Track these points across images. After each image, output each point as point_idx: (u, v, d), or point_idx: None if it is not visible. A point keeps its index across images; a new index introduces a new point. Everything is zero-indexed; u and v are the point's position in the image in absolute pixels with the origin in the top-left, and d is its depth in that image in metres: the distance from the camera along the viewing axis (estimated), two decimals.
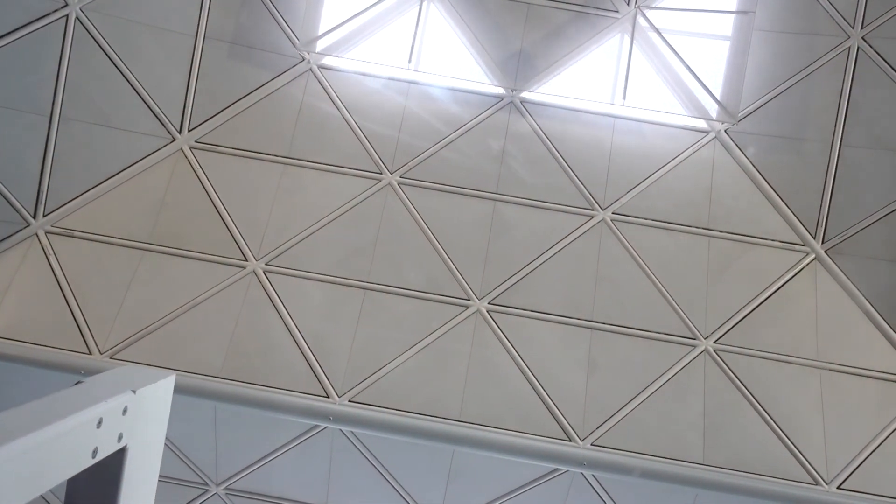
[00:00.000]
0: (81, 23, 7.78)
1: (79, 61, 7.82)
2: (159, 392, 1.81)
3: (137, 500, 1.74)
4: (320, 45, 8.51)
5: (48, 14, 7.65)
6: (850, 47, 8.10)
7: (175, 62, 8.17)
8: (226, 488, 7.92)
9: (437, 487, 7.61)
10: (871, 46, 8.04)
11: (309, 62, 8.51)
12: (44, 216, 7.75)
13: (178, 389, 7.33)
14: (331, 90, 8.48)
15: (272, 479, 7.83)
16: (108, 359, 7.27)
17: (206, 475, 7.86)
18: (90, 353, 7.26)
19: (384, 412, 7.16)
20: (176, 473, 7.87)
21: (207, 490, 7.96)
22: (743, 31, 8.34)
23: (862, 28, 8.08)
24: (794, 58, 8.25)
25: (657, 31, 8.35)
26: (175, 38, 8.12)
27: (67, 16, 7.72)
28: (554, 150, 8.31)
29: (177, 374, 6.91)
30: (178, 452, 7.69)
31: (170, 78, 8.18)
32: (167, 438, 7.29)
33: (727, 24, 8.65)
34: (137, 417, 1.71)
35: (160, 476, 6.88)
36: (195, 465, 7.78)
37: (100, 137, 7.96)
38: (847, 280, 7.94)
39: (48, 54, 7.71)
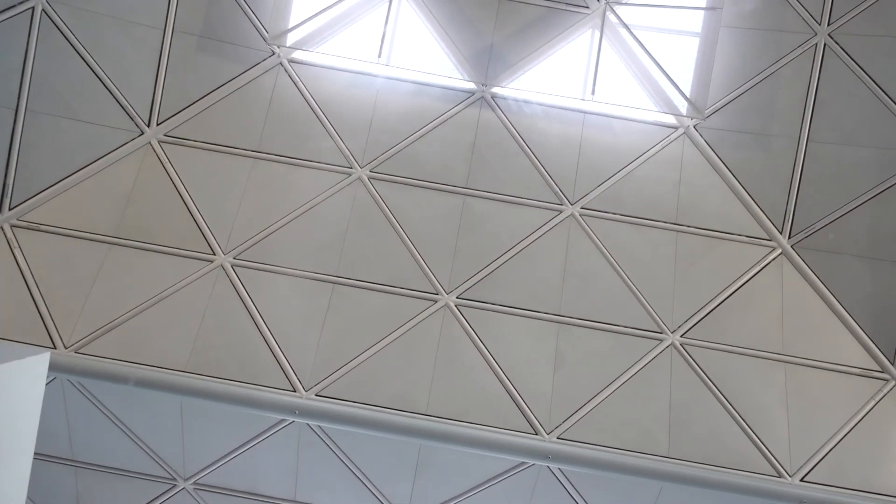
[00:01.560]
0: (48, 15, 7.71)
1: (45, 54, 7.76)
2: (26, 369, 1.79)
3: (6, 477, 1.73)
4: (290, 39, 8.49)
5: (14, 6, 7.59)
6: (817, 44, 8.16)
7: (143, 55, 8.12)
8: (194, 483, 7.88)
9: (404, 481, 7.61)
10: (837, 43, 8.10)
11: (279, 56, 8.48)
12: (10, 210, 7.68)
13: (145, 384, 7.30)
14: (301, 84, 8.46)
15: (240, 474, 7.80)
16: (73, 353, 7.22)
17: (173, 470, 7.82)
18: (55, 348, 7.21)
19: (351, 406, 7.16)
20: (143, 469, 7.83)
21: (175, 485, 7.92)
22: (711, 28, 8.38)
23: (829, 25, 8.14)
24: (762, 54, 8.30)
25: (626, 27, 8.38)
26: (143, 32, 8.07)
27: (33, 8, 7.65)
28: (524, 145, 8.33)
29: (144, 369, 6.85)
30: (144, 447, 7.65)
31: (138, 71, 8.12)
32: (133, 433, 7.26)
33: (697, 21, 8.70)
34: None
35: (127, 471, 6.88)
36: (162, 461, 7.74)
37: (67, 131, 7.89)
38: (813, 275, 8.00)
39: (14, 47, 7.64)
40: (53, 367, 7.13)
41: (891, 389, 7.61)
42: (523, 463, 7.30)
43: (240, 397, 7.10)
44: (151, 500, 8.02)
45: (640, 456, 7.16)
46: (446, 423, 7.15)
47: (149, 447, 7.67)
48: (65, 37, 7.80)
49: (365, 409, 7.15)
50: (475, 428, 7.16)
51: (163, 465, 7.77)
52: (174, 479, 7.89)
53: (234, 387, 7.12)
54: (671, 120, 8.48)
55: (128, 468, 7.86)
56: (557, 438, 7.21)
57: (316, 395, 7.22)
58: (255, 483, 7.87)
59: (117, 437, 7.63)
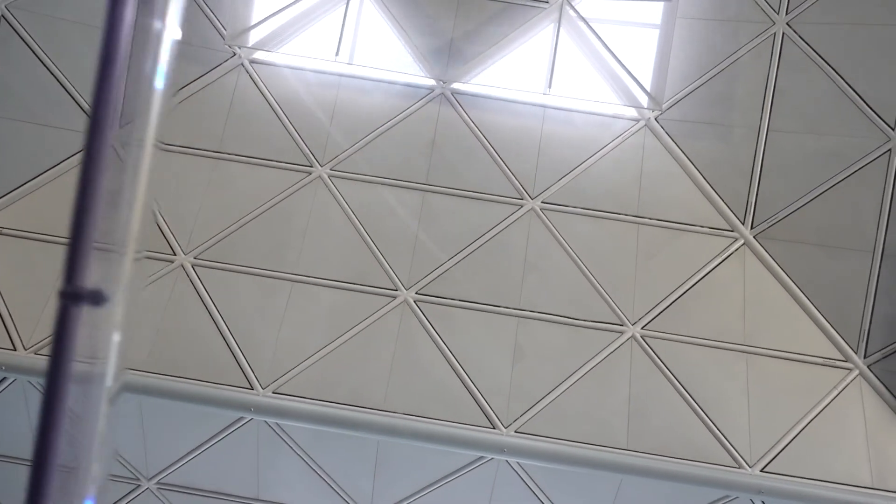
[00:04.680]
0: (7, 21, 7.81)
1: (6, 59, 7.85)
2: None
3: None
4: (251, 40, 8.53)
5: None
6: (775, 33, 8.13)
7: None
8: (157, 483, 7.91)
9: (365, 477, 7.61)
10: (795, 32, 8.07)
11: (240, 57, 8.53)
12: None
13: None
14: (262, 85, 8.50)
15: (203, 473, 7.82)
16: (32, 354, 7.27)
17: (136, 470, 7.85)
18: (14, 350, 7.26)
19: (307, 403, 7.17)
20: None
21: (139, 485, 7.95)
22: (670, 19, 8.37)
23: (787, 14, 8.11)
24: (720, 45, 8.28)
25: (584, 20, 8.38)
26: None
27: None
28: (484, 140, 8.33)
29: None
30: None
31: None
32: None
33: (657, 13, 8.68)
34: None
35: None
36: (125, 460, 7.77)
37: (29, 135, 7.97)
38: (775, 265, 7.96)
39: None
40: (13, 368, 7.23)
41: (853, 379, 7.55)
42: (482, 457, 7.29)
43: (196, 395, 7.13)
44: (116, 501, 8.05)
45: (598, 449, 7.13)
46: (403, 419, 7.16)
47: None
48: (25, 42, 7.88)
49: (321, 405, 7.17)
50: (432, 423, 7.16)
51: (126, 465, 7.80)
52: (138, 479, 7.91)
53: (191, 385, 7.15)
54: (632, 112, 8.46)
55: None
56: (515, 432, 7.19)
57: (273, 392, 7.23)
58: (218, 482, 7.89)
59: None
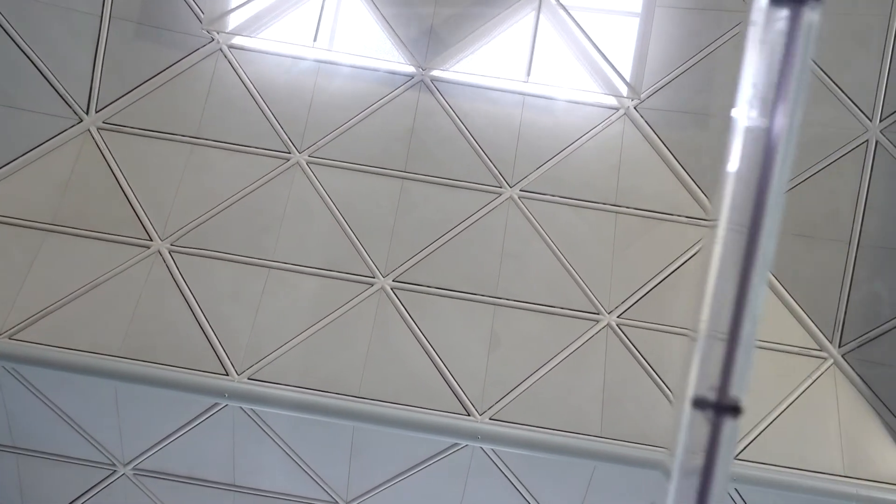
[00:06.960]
0: None
1: None
2: None
3: None
4: (228, 23, 8.47)
5: None
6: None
7: (80, 42, 8.11)
8: (133, 468, 7.90)
9: (340, 464, 7.62)
10: None
11: (218, 42, 8.46)
12: None
13: (78, 370, 7.28)
14: (240, 70, 8.44)
15: (179, 459, 7.81)
16: (7, 339, 7.23)
17: (112, 456, 7.84)
18: None
19: (282, 389, 7.17)
20: (84, 455, 7.85)
21: (115, 471, 7.94)
22: (650, 8, 8.35)
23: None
24: (700, 33, 8.27)
25: (564, 7, 8.35)
26: (79, 18, 8.06)
27: None
28: (463, 128, 8.31)
29: (76, 355, 6.82)
30: (82, 433, 7.67)
31: (75, 58, 8.12)
32: (71, 419, 7.23)
33: (638, 1, 8.66)
34: None
35: (68, 457, 6.84)
36: (101, 446, 7.76)
37: (4, 119, 7.89)
38: None
39: None
40: None
41: (828, 368, 7.60)
42: (456, 444, 7.30)
43: (171, 381, 7.11)
44: (92, 487, 8.05)
45: (572, 436, 7.16)
46: (379, 406, 7.16)
47: (87, 433, 7.69)
48: None
49: (297, 392, 7.16)
50: (407, 410, 7.17)
51: (102, 450, 7.79)
52: (114, 465, 7.90)
53: (166, 371, 7.14)
54: (611, 101, 8.45)
55: (68, 454, 7.88)
56: (490, 419, 7.21)
57: (248, 378, 7.22)
58: (194, 468, 7.89)
59: (56, 424, 7.65)
